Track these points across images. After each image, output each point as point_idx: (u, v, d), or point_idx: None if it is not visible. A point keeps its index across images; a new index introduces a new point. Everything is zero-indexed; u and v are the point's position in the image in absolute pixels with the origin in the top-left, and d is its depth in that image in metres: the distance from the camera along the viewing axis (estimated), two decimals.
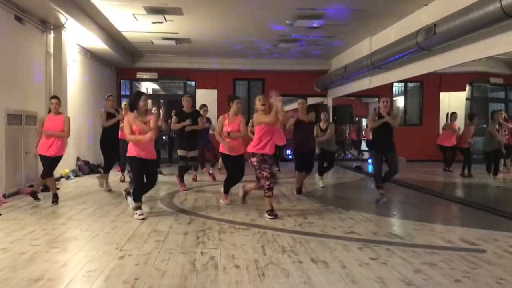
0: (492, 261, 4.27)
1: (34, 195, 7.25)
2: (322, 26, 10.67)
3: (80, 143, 11.62)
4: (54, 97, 7.28)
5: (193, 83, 16.55)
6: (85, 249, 4.62)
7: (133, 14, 9.91)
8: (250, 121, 8.99)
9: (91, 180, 10.17)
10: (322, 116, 9.28)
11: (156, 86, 18.29)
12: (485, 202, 7.48)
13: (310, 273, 3.87)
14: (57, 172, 9.87)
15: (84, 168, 11.34)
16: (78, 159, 11.39)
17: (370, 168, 14.22)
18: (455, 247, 4.78)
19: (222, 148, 7.20)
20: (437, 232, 5.53)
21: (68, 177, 10.15)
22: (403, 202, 8.05)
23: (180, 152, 8.67)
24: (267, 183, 6.09)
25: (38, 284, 3.58)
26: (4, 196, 7.37)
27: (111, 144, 8.56)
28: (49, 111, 7.17)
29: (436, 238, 5.21)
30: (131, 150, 6.12)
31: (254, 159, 6.16)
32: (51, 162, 7.13)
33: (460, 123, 12.48)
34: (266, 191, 6.13)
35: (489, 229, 5.64)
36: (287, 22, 10.53)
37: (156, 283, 3.60)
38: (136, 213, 6.08)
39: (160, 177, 9.34)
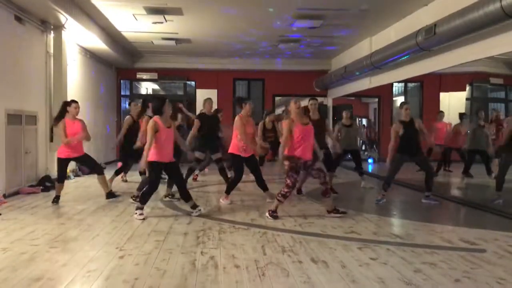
0: (492, 261, 4.27)
1: (111, 196, 7.41)
2: (322, 26, 10.67)
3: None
4: (75, 101, 7.33)
5: (193, 83, 16.54)
6: (85, 249, 4.62)
7: (133, 14, 9.91)
8: (260, 124, 9.02)
9: (91, 180, 10.16)
10: (345, 114, 9.39)
11: (156, 86, 18.29)
12: (485, 202, 7.48)
13: (310, 273, 3.87)
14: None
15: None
16: None
17: (370, 168, 14.23)
18: (455, 247, 4.79)
19: (233, 149, 7.21)
20: (437, 232, 5.53)
21: (68, 177, 10.13)
22: (403, 202, 8.05)
23: (197, 155, 8.62)
24: (285, 190, 6.08)
25: (38, 284, 3.58)
26: (4, 196, 7.37)
27: (131, 149, 8.53)
28: (61, 116, 7.12)
29: (436, 238, 5.21)
30: (154, 155, 6.06)
31: (287, 163, 6.11)
32: (82, 161, 7.46)
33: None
34: (279, 195, 6.12)
35: (489, 229, 5.65)
36: (289, 22, 10.49)
37: (156, 283, 3.61)
38: (136, 213, 6.08)
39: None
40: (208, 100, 8.77)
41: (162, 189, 8.61)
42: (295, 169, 6.11)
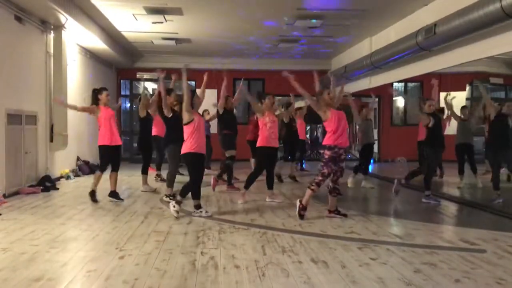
0: (492, 261, 4.27)
1: (114, 195, 7.34)
2: (322, 26, 10.66)
3: (80, 143, 11.62)
4: (106, 88, 7.51)
5: (193, 83, 16.52)
6: (85, 249, 4.62)
7: (133, 14, 9.91)
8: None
9: (91, 180, 10.15)
10: (364, 111, 9.64)
11: (156, 86, 18.27)
12: (484, 202, 7.47)
13: (310, 273, 3.87)
14: (57, 172, 9.92)
15: (84, 168, 11.34)
16: (78, 159, 11.39)
17: (370, 168, 14.20)
18: (455, 247, 4.79)
19: (262, 142, 7.26)
20: (437, 232, 5.53)
21: (68, 177, 10.16)
22: (403, 202, 8.04)
23: (232, 153, 8.53)
24: (319, 178, 6.03)
25: (38, 284, 3.58)
26: (4, 196, 7.36)
27: (147, 142, 8.62)
28: (95, 103, 7.29)
29: (436, 238, 5.22)
30: (191, 147, 6.06)
31: (329, 152, 6.01)
32: (115, 151, 7.34)
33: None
34: (312, 184, 6.07)
35: (489, 229, 5.64)
36: (289, 22, 10.51)
37: (156, 283, 3.60)
38: (174, 206, 6.07)
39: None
40: (229, 98, 8.78)
41: (162, 189, 8.62)
42: (335, 160, 6.03)
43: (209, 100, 15.29)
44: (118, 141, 7.32)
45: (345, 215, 6.21)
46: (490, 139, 7.61)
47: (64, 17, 8.97)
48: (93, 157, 12.31)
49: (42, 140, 9.27)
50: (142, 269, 3.96)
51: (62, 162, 10.24)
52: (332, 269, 3.98)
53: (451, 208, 7.54)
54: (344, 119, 6.14)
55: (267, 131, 7.21)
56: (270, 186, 7.47)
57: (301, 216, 6.04)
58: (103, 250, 4.55)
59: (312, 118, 12.15)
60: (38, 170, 9.04)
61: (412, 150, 15.89)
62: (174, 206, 6.07)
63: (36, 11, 8.66)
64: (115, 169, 7.36)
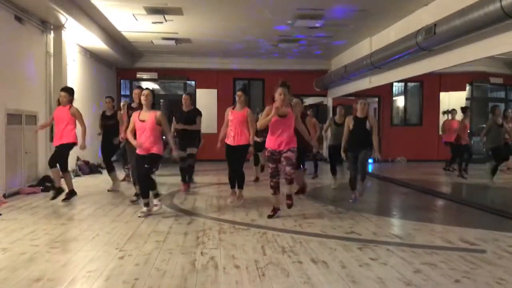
0: (492, 261, 4.27)
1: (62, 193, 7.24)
2: (322, 26, 10.66)
3: None
4: (62, 88, 7.40)
5: (193, 83, 16.55)
6: (85, 249, 4.62)
7: (133, 14, 9.91)
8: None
9: (91, 180, 10.18)
10: (338, 109, 9.43)
11: (156, 86, 18.28)
12: (485, 202, 7.47)
13: (310, 273, 3.87)
14: None
15: (84, 168, 11.34)
16: (78, 159, 11.38)
17: (370, 168, 14.22)
18: (455, 247, 4.79)
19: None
20: (437, 232, 5.53)
21: None
22: (403, 202, 8.05)
23: (181, 154, 8.31)
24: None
25: (38, 284, 3.58)
26: (4, 196, 7.36)
27: (109, 145, 8.90)
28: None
29: (436, 238, 5.22)
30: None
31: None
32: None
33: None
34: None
35: (489, 229, 5.64)
36: (289, 22, 10.52)
37: (156, 283, 3.60)
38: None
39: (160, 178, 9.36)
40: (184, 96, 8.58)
41: (161, 189, 8.62)
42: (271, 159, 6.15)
43: (209, 99, 15.50)
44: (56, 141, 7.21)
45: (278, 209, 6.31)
46: None
47: (64, 17, 8.97)
48: (93, 157, 12.32)
49: (42, 140, 9.27)
50: (142, 269, 3.96)
51: None
52: (332, 269, 3.98)
53: (451, 208, 7.54)
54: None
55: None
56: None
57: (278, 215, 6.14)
58: (103, 250, 4.55)
59: None
60: (38, 170, 9.04)
61: (412, 149, 16.01)
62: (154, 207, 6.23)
63: (36, 11, 8.66)
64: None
